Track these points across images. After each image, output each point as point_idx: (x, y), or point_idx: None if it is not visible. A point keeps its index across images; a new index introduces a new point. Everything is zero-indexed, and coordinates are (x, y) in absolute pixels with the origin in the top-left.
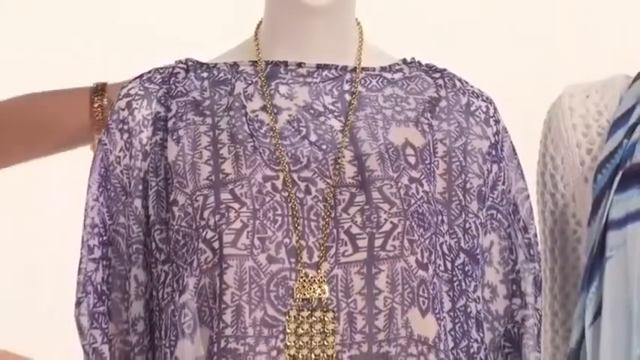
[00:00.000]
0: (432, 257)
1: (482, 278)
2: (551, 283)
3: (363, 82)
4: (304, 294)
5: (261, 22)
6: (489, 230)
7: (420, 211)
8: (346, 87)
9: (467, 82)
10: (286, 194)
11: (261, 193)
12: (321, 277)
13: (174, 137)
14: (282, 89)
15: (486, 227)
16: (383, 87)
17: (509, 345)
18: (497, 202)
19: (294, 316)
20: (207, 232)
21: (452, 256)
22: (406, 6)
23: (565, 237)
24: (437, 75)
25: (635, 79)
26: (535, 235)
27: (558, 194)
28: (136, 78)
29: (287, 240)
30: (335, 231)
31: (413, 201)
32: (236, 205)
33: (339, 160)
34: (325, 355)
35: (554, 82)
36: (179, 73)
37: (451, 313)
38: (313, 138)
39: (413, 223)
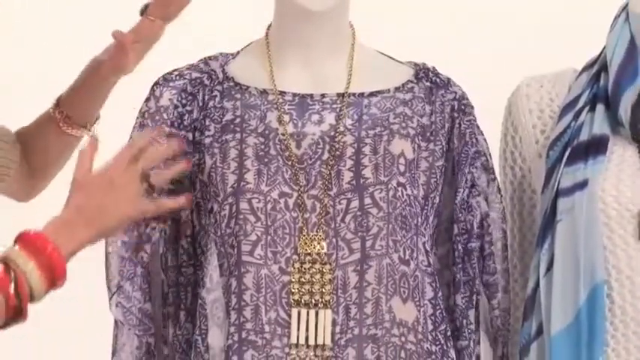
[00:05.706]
0: (414, 254)
1: None
2: (511, 241)
3: (378, 104)
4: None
5: (270, 25)
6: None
7: (404, 214)
8: (364, 110)
9: (455, 96)
10: (295, 215)
11: (275, 209)
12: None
13: (209, 153)
14: (314, 117)
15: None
16: (395, 107)
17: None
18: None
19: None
20: (232, 240)
21: (432, 252)
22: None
23: (522, 203)
24: (435, 99)
25: (580, 72)
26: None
27: (517, 167)
28: (176, 78)
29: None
30: (334, 240)
31: (399, 204)
32: (252, 218)
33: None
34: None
35: (512, 75)
36: (216, 96)
37: (432, 301)
38: (325, 156)
39: (396, 226)
